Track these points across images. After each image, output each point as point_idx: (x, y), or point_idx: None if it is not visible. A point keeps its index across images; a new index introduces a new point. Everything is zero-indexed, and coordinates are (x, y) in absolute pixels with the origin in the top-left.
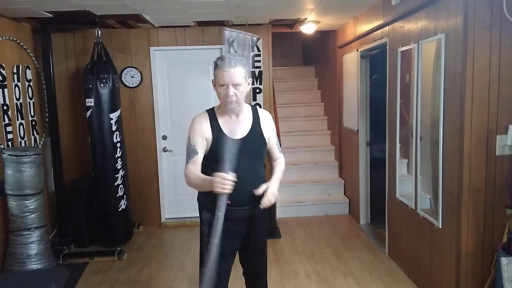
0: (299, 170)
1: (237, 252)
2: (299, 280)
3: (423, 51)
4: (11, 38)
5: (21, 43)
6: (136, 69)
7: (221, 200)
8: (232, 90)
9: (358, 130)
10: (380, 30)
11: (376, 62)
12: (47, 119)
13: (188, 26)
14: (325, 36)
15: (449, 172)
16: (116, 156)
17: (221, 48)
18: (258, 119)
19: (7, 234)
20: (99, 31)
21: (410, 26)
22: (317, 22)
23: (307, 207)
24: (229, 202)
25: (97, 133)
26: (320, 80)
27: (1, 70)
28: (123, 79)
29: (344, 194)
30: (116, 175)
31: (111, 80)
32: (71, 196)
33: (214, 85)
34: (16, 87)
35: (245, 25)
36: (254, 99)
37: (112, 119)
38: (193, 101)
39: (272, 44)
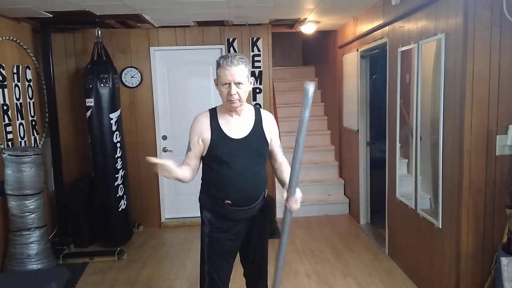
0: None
1: (238, 253)
2: (299, 280)
3: (423, 51)
4: (11, 38)
5: (21, 43)
6: (136, 69)
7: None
8: (234, 89)
9: (358, 130)
10: (380, 30)
11: (376, 62)
12: (47, 119)
13: (188, 26)
14: (325, 36)
15: (449, 172)
16: (116, 156)
17: (221, 48)
18: (261, 119)
19: (7, 234)
20: (99, 31)
21: (410, 26)
22: (317, 22)
23: (307, 207)
24: (230, 202)
25: (97, 133)
26: (320, 80)
27: (1, 70)
28: (123, 79)
29: (344, 194)
30: (116, 175)
31: (111, 80)
32: (71, 196)
33: (217, 84)
34: (16, 87)
35: (245, 25)
36: (254, 99)
37: (112, 119)
38: (193, 101)
39: (272, 44)
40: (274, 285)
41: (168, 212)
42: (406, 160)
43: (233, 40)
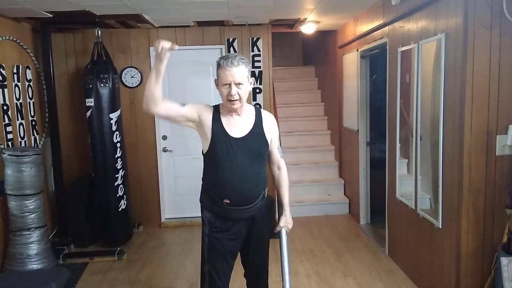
0: (299, 170)
1: (239, 253)
2: (299, 280)
3: (423, 51)
4: (11, 38)
5: (21, 43)
6: (136, 69)
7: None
8: (234, 89)
9: (358, 130)
10: (380, 30)
11: (376, 62)
12: (47, 119)
13: (188, 26)
14: (325, 36)
15: (449, 172)
16: (116, 156)
17: (221, 48)
18: (261, 120)
19: (7, 234)
20: (99, 31)
21: (410, 26)
22: (317, 22)
23: (307, 207)
24: (228, 201)
25: (97, 133)
26: (320, 80)
27: (1, 70)
28: (123, 79)
29: (344, 194)
30: (116, 175)
31: (111, 80)
32: (71, 196)
33: (217, 85)
34: (16, 87)
35: (245, 25)
36: (254, 99)
37: (112, 119)
38: (193, 101)
39: (272, 44)
40: None
41: (168, 212)
42: (406, 160)
43: (233, 40)
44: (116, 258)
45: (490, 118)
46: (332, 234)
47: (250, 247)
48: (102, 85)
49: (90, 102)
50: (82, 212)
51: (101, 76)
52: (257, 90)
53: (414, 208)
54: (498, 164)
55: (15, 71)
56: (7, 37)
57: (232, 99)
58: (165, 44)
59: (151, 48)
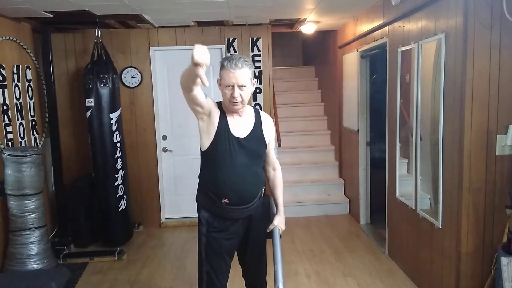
0: (299, 170)
1: (236, 253)
2: (299, 280)
3: (423, 51)
4: (11, 38)
5: (21, 43)
6: (136, 69)
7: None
8: (237, 92)
9: (358, 130)
10: (380, 30)
11: (376, 62)
12: (47, 119)
13: (188, 26)
14: (325, 36)
15: (449, 172)
16: (116, 156)
17: (221, 48)
18: (260, 121)
19: (7, 234)
20: (99, 31)
21: (410, 26)
22: (317, 22)
23: (307, 207)
24: (227, 201)
25: (97, 133)
26: (320, 80)
27: (1, 70)
28: (123, 79)
29: (344, 194)
30: (116, 175)
31: (111, 80)
32: (71, 196)
33: (219, 85)
34: (16, 87)
35: (245, 25)
36: (254, 99)
37: (112, 119)
38: None
39: (272, 44)
40: None
41: (168, 212)
42: (406, 160)
43: (233, 40)
44: (116, 258)
45: (490, 118)
46: (332, 234)
47: (248, 246)
48: (102, 85)
49: (90, 102)
50: (82, 212)
51: (101, 76)
52: (257, 90)
53: (414, 208)
54: (498, 164)
55: (15, 71)
56: (7, 37)
57: (235, 101)
58: (200, 58)
59: (151, 48)
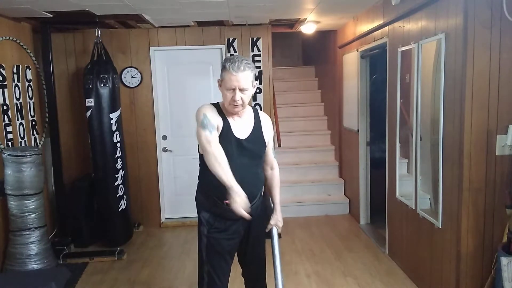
0: (299, 170)
1: (236, 253)
2: (299, 280)
3: (423, 51)
4: (11, 38)
5: (21, 43)
6: (136, 69)
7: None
8: (239, 95)
9: (358, 130)
10: (380, 30)
11: (376, 62)
12: (47, 119)
13: (188, 26)
14: (325, 36)
15: (449, 172)
16: (116, 156)
17: (221, 48)
18: (260, 121)
19: (7, 234)
20: (99, 31)
21: (410, 26)
22: (317, 22)
23: (307, 207)
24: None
25: (97, 133)
26: (320, 80)
27: (1, 70)
28: (123, 79)
29: (344, 194)
30: (116, 175)
31: (111, 80)
32: (71, 196)
33: (220, 85)
34: (16, 87)
35: (245, 25)
36: (254, 99)
37: (112, 119)
38: (193, 101)
39: (272, 44)
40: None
41: (168, 212)
42: (406, 160)
43: (233, 40)
44: (116, 258)
45: (490, 118)
46: (332, 234)
47: (248, 246)
48: (102, 85)
49: (90, 102)
50: (82, 212)
51: (101, 76)
52: (257, 90)
53: (414, 208)
54: (498, 164)
55: (15, 71)
56: (7, 37)
57: (236, 104)
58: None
59: (151, 48)
